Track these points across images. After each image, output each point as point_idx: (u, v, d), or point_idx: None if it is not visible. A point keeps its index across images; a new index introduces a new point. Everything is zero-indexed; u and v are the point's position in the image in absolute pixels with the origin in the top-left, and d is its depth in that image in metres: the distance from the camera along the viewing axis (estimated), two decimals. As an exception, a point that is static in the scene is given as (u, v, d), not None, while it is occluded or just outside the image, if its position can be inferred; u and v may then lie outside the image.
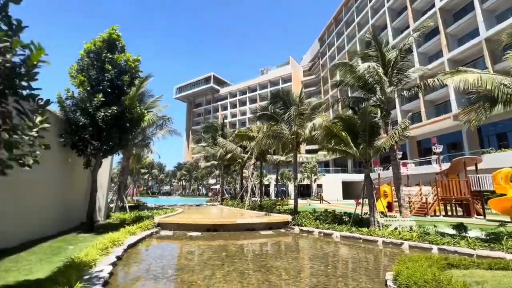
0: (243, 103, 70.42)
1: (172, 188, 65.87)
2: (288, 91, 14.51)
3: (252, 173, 20.00)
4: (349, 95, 23.49)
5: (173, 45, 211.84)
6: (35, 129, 2.97)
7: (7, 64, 2.86)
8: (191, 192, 59.05)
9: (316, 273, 5.47)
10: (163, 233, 9.94)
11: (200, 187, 60.17)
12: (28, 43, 2.98)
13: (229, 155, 21.08)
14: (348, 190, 39.99)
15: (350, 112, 12.23)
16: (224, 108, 73.61)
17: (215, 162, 28.47)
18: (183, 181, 60.15)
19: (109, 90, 8.49)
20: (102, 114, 8.13)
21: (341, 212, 12.68)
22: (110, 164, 12.79)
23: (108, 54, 8.64)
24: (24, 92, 3.16)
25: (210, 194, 51.91)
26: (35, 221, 7.30)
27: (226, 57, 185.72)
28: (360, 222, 10.32)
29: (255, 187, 21.27)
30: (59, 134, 8.25)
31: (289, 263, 6.27)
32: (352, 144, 9.97)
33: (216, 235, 9.60)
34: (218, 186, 45.03)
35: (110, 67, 8.48)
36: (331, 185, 40.10)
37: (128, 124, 9.17)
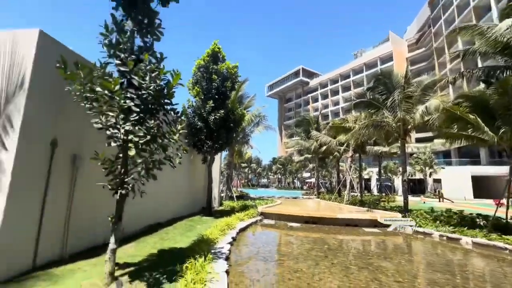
0: (335, 92, 66.49)
1: (269, 181, 70.17)
2: (389, 73, 12.76)
3: (350, 166, 18.77)
4: (479, 65, 18.30)
5: (262, 43, 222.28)
6: (177, 134, 3.93)
7: (158, 88, 3.92)
8: (286, 185, 61.11)
9: (439, 281, 4.70)
10: (266, 221, 10.86)
11: (295, 180, 61.43)
12: (169, 70, 3.96)
13: (323, 148, 20.56)
14: (482, 187, 31.23)
15: (481, 86, 9.56)
16: (315, 100, 71.71)
17: (309, 156, 28.35)
18: (279, 174, 62.96)
19: (216, 97, 9.96)
20: (213, 117, 9.65)
21: (472, 214, 10.19)
22: (219, 160, 14.99)
23: (214, 65, 10.12)
24: (168, 107, 4.24)
25: (305, 187, 52.19)
26: (175, 205, 9.52)
27: (315, 47, 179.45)
28: (504, 228, 8.00)
29: (353, 181, 19.91)
30: (184, 136, 10.37)
31: (402, 265, 5.64)
32: (486, 128, 7.82)
33: (315, 228, 9.69)
34: (313, 180, 44.73)
35: (215, 76, 9.92)
36: (455, 180, 32.38)
37: (232, 125, 10.51)
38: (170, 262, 4.56)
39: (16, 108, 3.79)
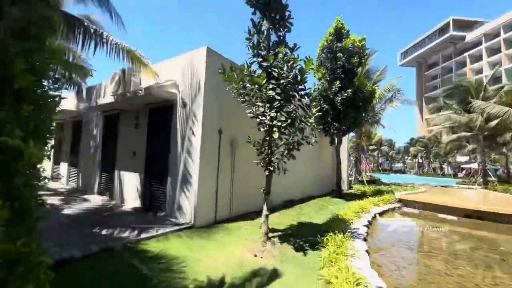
0: (512, 42, 46.33)
1: (405, 165, 59.97)
2: None
3: (546, 146, 12.88)
4: None
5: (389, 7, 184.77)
6: (312, 118, 4.21)
7: (293, 76, 4.29)
8: (431, 171, 50.05)
9: None
10: (406, 209, 9.57)
11: (443, 166, 49.25)
12: (302, 58, 4.25)
13: (494, 122, 15.18)
14: None
15: None
16: (476, 59, 52.87)
17: (467, 134, 21.74)
18: (419, 158, 52.46)
19: (343, 76, 9.50)
20: (340, 98, 9.34)
21: None
22: (347, 142, 14.40)
23: (338, 43, 9.64)
24: (301, 93, 4.57)
25: (460, 174, 40.84)
26: (306, 184, 10.15)
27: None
28: None
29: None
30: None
31: None
32: None
33: (481, 225, 7.58)
34: (473, 165, 34.22)
35: (341, 54, 9.45)
36: None
37: (360, 103, 9.77)
38: (309, 233, 5.04)
39: (198, 106, 5.30)
